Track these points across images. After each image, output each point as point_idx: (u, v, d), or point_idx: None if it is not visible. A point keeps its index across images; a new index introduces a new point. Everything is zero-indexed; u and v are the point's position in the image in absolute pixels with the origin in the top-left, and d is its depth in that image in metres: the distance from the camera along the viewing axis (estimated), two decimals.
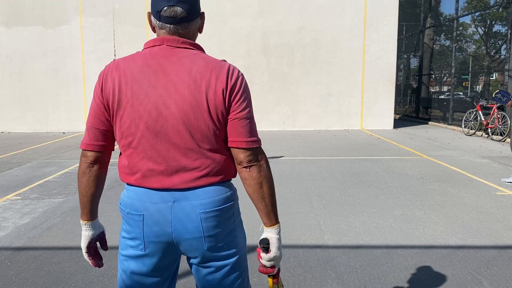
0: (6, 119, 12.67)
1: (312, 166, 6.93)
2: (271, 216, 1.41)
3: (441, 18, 19.17)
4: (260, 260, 1.43)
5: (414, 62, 19.01)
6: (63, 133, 12.39)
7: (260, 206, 1.39)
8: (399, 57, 19.01)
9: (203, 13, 1.45)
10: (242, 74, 1.38)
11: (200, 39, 12.35)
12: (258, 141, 1.38)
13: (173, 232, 1.36)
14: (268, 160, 7.36)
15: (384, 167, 6.78)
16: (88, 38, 12.44)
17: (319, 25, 12.38)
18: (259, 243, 1.41)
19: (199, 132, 1.32)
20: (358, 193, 5.22)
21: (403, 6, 18.54)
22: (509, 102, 5.91)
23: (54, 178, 6.22)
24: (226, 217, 1.40)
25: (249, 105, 1.37)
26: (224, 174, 1.39)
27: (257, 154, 1.37)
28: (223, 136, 1.37)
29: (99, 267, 1.55)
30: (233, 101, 1.34)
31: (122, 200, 1.42)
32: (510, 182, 5.61)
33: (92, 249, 1.52)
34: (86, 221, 1.49)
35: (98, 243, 1.57)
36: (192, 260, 1.44)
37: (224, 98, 1.32)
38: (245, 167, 1.37)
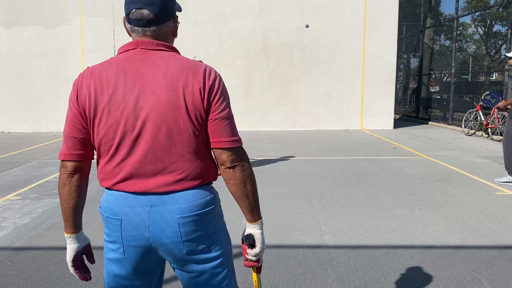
0: (6, 119, 12.67)
1: (312, 166, 6.93)
2: (254, 212, 1.42)
3: (441, 18, 19.17)
4: (246, 255, 1.46)
5: (414, 62, 19.01)
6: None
7: (243, 204, 1.40)
8: (399, 57, 19.01)
9: (176, 17, 1.43)
10: (219, 75, 1.38)
11: (200, 39, 12.36)
12: (240, 140, 1.38)
13: (151, 237, 1.35)
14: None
15: (384, 167, 6.77)
16: (88, 38, 12.44)
17: (319, 25, 12.38)
18: (244, 240, 1.43)
19: (178, 134, 1.31)
20: (358, 193, 5.22)
21: (403, 6, 18.53)
22: (498, 104, 5.90)
23: (54, 178, 6.22)
24: (206, 221, 1.39)
25: (228, 105, 1.37)
26: (203, 178, 1.38)
27: (239, 154, 1.37)
28: (204, 137, 1.36)
29: (87, 280, 1.51)
30: (212, 101, 1.33)
31: (101, 204, 1.41)
32: (504, 182, 5.62)
33: (78, 262, 1.48)
34: (71, 234, 1.45)
35: (84, 256, 1.54)
36: (173, 264, 1.43)
37: (202, 99, 1.31)
38: (228, 167, 1.37)
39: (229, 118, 1.37)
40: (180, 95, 1.29)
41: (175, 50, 1.40)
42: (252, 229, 1.43)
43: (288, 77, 12.57)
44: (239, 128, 12.70)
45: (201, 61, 1.38)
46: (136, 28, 1.36)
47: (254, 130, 12.60)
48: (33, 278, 3.00)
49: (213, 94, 1.33)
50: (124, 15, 1.39)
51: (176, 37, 1.48)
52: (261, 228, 1.44)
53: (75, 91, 1.35)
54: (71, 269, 1.48)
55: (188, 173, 1.35)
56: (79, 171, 1.39)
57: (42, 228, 4.06)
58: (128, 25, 1.38)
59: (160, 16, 1.36)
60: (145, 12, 1.33)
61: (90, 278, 1.53)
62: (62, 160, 1.39)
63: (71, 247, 1.45)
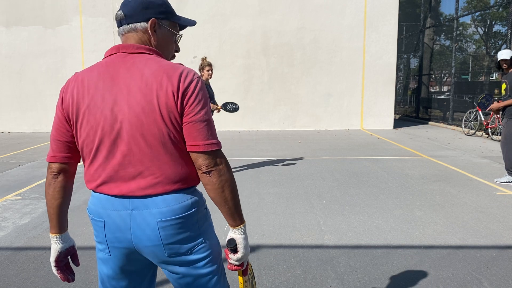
0: (6, 119, 12.67)
1: (312, 166, 6.93)
2: (235, 217, 1.39)
3: (441, 18, 19.17)
4: (229, 260, 1.44)
5: (414, 62, 19.02)
6: None
7: (223, 209, 1.38)
8: (399, 57, 19.01)
9: (153, 20, 1.39)
10: (197, 77, 1.35)
11: (200, 39, 12.36)
12: (217, 143, 1.35)
13: (132, 239, 1.36)
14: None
15: (384, 167, 6.78)
16: (88, 38, 12.44)
17: (319, 25, 12.38)
18: (226, 245, 1.41)
19: (153, 136, 1.31)
20: (358, 193, 5.22)
21: (403, 6, 18.53)
22: (491, 106, 5.91)
23: None
24: (189, 224, 1.38)
25: (204, 107, 1.34)
26: (183, 181, 1.37)
27: (215, 158, 1.34)
28: (182, 141, 1.35)
29: (68, 281, 1.52)
30: (186, 104, 1.31)
31: (88, 206, 1.44)
32: (504, 182, 5.62)
33: (61, 263, 1.49)
34: (54, 234, 1.47)
35: (70, 258, 1.55)
36: (159, 265, 1.44)
37: (175, 102, 1.30)
38: (205, 172, 1.34)
39: (205, 121, 1.33)
40: (154, 98, 1.29)
41: (157, 53, 1.40)
42: (234, 234, 1.41)
43: (288, 77, 12.57)
44: (239, 128, 12.70)
45: (181, 64, 1.38)
46: (118, 29, 1.43)
47: (254, 130, 12.60)
48: (33, 278, 3.00)
49: (187, 97, 1.31)
50: None
51: (162, 42, 1.44)
52: (244, 233, 1.41)
53: (60, 96, 1.40)
54: (54, 269, 1.49)
55: (165, 177, 1.34)
56: (63, 173, 1.43)
57: (42, 228, 4.06)
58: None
59: (130, 14, 1.39)
60: (119, 13, 1.40)
61: (73, 280, 1.54)
62: (48, 162, 1.43)
63: (55, 248, 1.47)
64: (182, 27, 1.53)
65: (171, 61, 1.49)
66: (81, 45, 12.47)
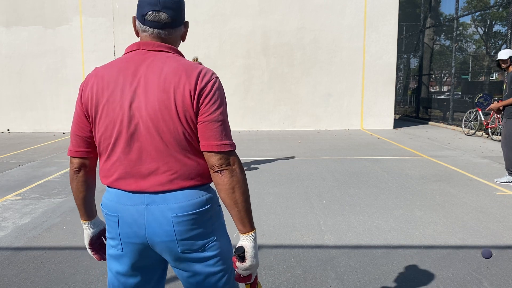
0: (6, 119, 12.67)
1: (312, 166, 6.93)
2: (245, 222, 1.36)
3: (441, 18, 19.17)
4: (236, 269, 1.39)
5: (414, 62, 19.02)
6: (63, 133, 12.39)
7: (233, 212, 1.35)
8: (399, 57, 19.00)
9: (187, 22, 1.47)
10: (215, 78, 1.36)
11: (200, 39, 12.36)
12: (231, 144, 1.35)
13: (146, 235, 1.37)
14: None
15: (384, 167, 6.78)
16: (88, 38, 12.44)
17: (319, 25, 12.38)
18: (234, 252, 1.36)
19: (169, 134, 1.32)
20: (358, 193, 5.22)
21: (403, 6, 18.53)
22: (490, 105, 5.92)
23: (54, 178, 6.22)
24: (203, 221, 1.38)
25: (220, 107, 1.34)
26: (198, 178, 1.38)
27: (228, 158, 1.33)
28: (196, 139, 1.36)
29: (105, 260, 1.59)
30: (201, 104, 1.32)
31: (102, 201, 1.45)
32: (504, 182, 5.62)
33: (95, 245, 1.58)
34: (85, 221, 1.56)
35: (103, 238, 1.63)
36: (170, 263, 1.44)
37: (192, 101, 1.31)
38: (217, 171, 1.34)
39: (220, 121, 1.33)
40: (171, 97, 1.30)
41: (176, 52, 1.41)
42: (243, 241, 1.37)
43: (288, 77, 12.57)
44: (239, 128, 12.70)
45: (200, 63, 1.38)
46: (151, 29, 1.39)
47: (254, 130, 12.60)
48: (33, 278, 3.00)
49: (203, 97, 1.31)
50: (136, 15, 1.42)
51: (183, 41, 1.51)
52: (253, 241, 1.36)
53: (80, 91, 1.42)
54: (89, 251, 1.59)
55: (181, 173, 1.35)
56: (84, 167, 1.47)
57: (42, 228, 4.06)
58: (141, 26, 1.40)
59: (175, 20, 1.40)
60: (163, 15, 1.37)
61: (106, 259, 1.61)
62: (70, 157, 1.47)
63: (87, 233, 1.57)
64: None
65: None
66: (81, 45, 12.47)
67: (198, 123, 1.33)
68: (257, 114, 12.68)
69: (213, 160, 1.33)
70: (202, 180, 1.39)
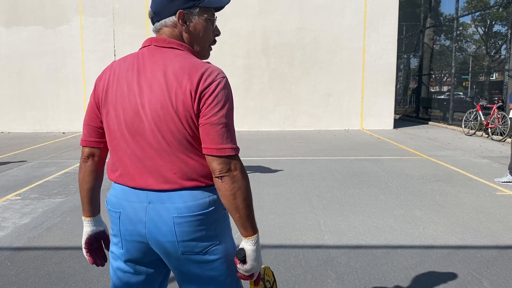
0: (6, 119, 12.67)
1: (312, 166, 6.93)
2: (247, 227, 1.33)
3: (441, 18, 19.17)
4: (238, 270, 1.38)
5: (414, 62, 19.01)
6: (63, 133, 12.39)
7: (234, 217, 1.33)
8: (399, 57, 19.00)
9: (181, 12, 1.34)
10: (221, 78, 1.29)
11: None
12: (234, 149, 1.29)
13: (146, 233, 1.35)
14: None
15: (384, 167, 6.77)
16: (88, 38, 12.44)
17: (319, 25, 12.38)
18: (236, 254, 1.36)
19: (170, 134, 1.29)
20: (358, 193, 5.22)
21: (403, 6, 18.53)
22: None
23: (54, 178, 6.22)
24: (206, 223, 1.35)
25: (223, 109, 1.28)
26: (201, 179, 1.34)
27: (230, 163, 1.28)
28: (198, 140, 1.32)
29: (97, 265, 1.55)
30: (203, 105, 1.27)
31: (107, 197, 1.44)
32: (505, 182, 5.62)
33: (91, 246, 1.52)
34: (86, 217, 1.52)
35: (102, 242, 1.57)
36: (168, 264, 1.41)
37: (192, 101, 1.26)
38: (217, 177, 1.28)
39: (223, 123, 1.27)
40: (173, 96, 1.27)
41: (188, 49, 1.37)
42: (244, 244, 1.34)
43: (288, 77, 12.57)
44: (239, 128, 12.70)
45: (209, 62, 1.36)
46: (153, 26, 1.43)
47: (254, 130, 12.60)
48: (33, 278, 3.00)
49: (204, 97, 1.26)
50: None
51: (196, 32, 1.39)
52: (255, 245, 1.34)
53: (95, 83, 1.42)
54: (84, 251, 1.53)
55: (183, 173, 1.32)
56: (93, 157, 1.46)
57: (42, 228, 4.06)
58: None
59: (158, 11, 1.38)
60: (150, 10, 1.41)
61: (103, 265, 1.56)
62: (81, 146, 1.47)
63: (85, 230, 1.52)
64: (217, 8, 1.43)
65: (212, 45, 1.44)
66: (81, 45, 12.46)
67: (200, 125, 1.28)
68: (257, 114, 12.68)
69: (214, 164, 1.28)
70: (205, 182, 1.35)
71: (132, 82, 1.33)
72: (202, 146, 1.30)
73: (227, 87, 1.30)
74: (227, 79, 1.33)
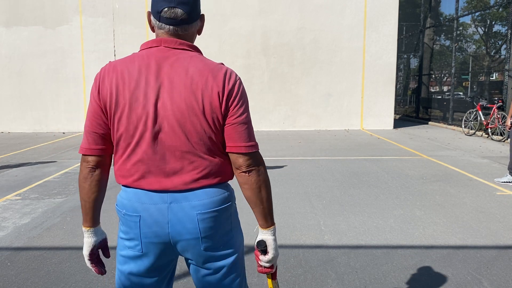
0: (6, 119, 12.67)
1: (312, 166, 6.93)
2: (268, 218, 1.42)
3: (441, 18, 19.17)
4: (259, 262, 1.44)
5: (414, 62, 19.01)
6: (63, 133, 12.39)
7: (257, 209, 1.40)
8: (399, 57, 19.00)
9: (203, 15, 1.44)
10: (239, 78, 1.38)
11: (200, 39, 12.36)
12: (256, 145, 1.38)
13: (170, 233, 1.36)
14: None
15: (384, 167, 6.77)
16: (88, 38, 12.44)
17: (319, 25, 12.38)
18: (257, 246, 1.42)
19: (195, 134, 1.32)
20: (358, 193, 5.22)
21: (403, 6, 18.53)
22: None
23: (54, 178, 6.22)
24: (224, 218, 1.40)
25: (246, 109, 1.37)
26: (221, 176, 1.39)
27: (255, 159, 1.37)
28: (220, 139, 1.36)
29: (102, 274, 1.52)
30: (230, 106, 1.33)
31: (118, 201, 1.41)
32: (505, 182, 5.62)
33: (94, 256, 1.48)
34: (89, 228, 1.46)
35: (100, 250, 1.55)
36: (190, 261, 1.45)
37: (220, 102, 1.31)
38: (244, 171, 1.36)
39: (247, 123, 1.36)
40: (199, 97, 1.29)
41: (198, 51, 1.40)
42: (264, 235, 1.42)
43: (288, 77, 12.57)
44: None
45: (222, 64, 1.37)
46: (167, 26, 1.36)
47: (254, 130, 12.60)
48: (33, 278, 3.00)
49: (231, 99, 1.33)
50: (150, 11, 1.38)
51: (199, 34, 1.50)
52: (274, 235, 1.43)
53: (96, 86, 1.34)
54: (88, 263, 1.48)
55: (207, 172, 1.36)
56: (101, 166, 1.40)
57: (42, 228, 4.06)
58: (157, 23, 1.37)
59: (191, 15, 1.36)
60: (179, 11, 1.33)
61: (105, 272, 1.54)
62: (83, 155, 1.39)
63: (88, 241, 1.46)
64: None
65: None
66: (81, 45, 12.47)
67: (226, 125, 1.34)
68: (257, 114, 12.68)
69: (241, 161, 1.35)
70: (224, 179, 1.41)
71: (149, 85, 1.30)
72: (228, 144, 1.35)
73: (243, 87, 1.40)
74: (240, 78, 1.42)
